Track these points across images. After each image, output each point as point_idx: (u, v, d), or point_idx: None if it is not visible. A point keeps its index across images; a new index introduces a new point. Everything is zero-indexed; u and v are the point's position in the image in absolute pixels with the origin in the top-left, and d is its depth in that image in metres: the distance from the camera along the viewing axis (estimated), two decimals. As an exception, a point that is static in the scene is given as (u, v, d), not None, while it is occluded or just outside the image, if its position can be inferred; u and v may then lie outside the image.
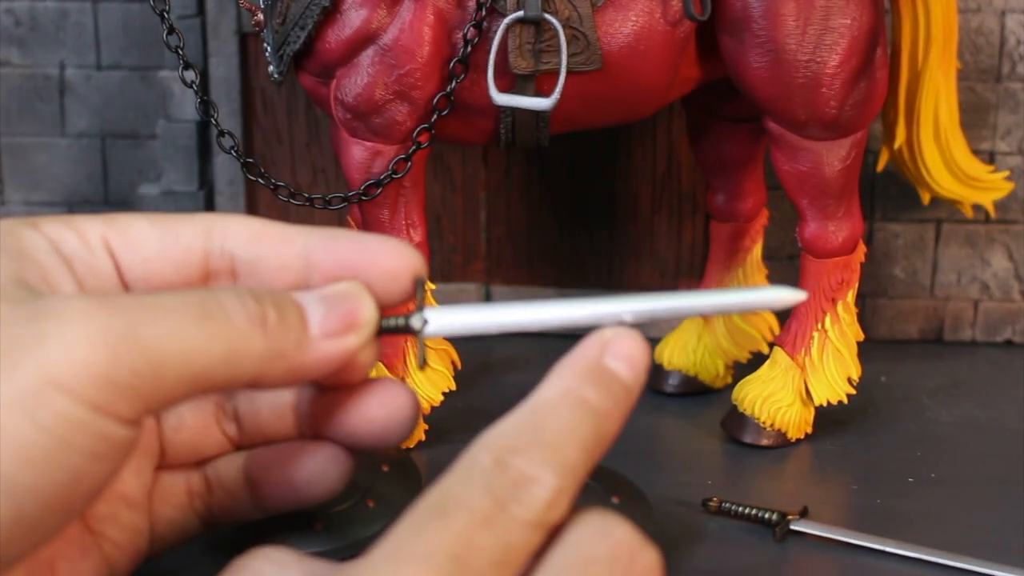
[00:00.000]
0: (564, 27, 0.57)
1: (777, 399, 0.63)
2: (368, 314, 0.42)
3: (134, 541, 0.45)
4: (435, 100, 0.58)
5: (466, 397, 0.66)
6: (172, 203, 0.76)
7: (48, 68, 0.80)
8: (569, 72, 0.58)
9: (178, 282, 0.43)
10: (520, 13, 0.57)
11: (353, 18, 0.58)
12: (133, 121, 0.80)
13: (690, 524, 0.56)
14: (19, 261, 0.39)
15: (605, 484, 0.53)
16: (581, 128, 0.62)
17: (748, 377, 0.64)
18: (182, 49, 0.59)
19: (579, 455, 0.37)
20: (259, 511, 0.47)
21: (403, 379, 0.61)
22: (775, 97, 0.59)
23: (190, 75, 0.60)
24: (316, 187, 0.76)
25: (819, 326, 0.63)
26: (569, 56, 0.58)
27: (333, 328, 0.41)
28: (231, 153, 0.60)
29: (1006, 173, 0.70)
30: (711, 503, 0.56)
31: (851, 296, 0.63)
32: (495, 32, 0.58)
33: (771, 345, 0.66)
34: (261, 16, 0.60)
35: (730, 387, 0.67)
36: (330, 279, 0.42)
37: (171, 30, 0.59)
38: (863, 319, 0.67)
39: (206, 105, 0.60)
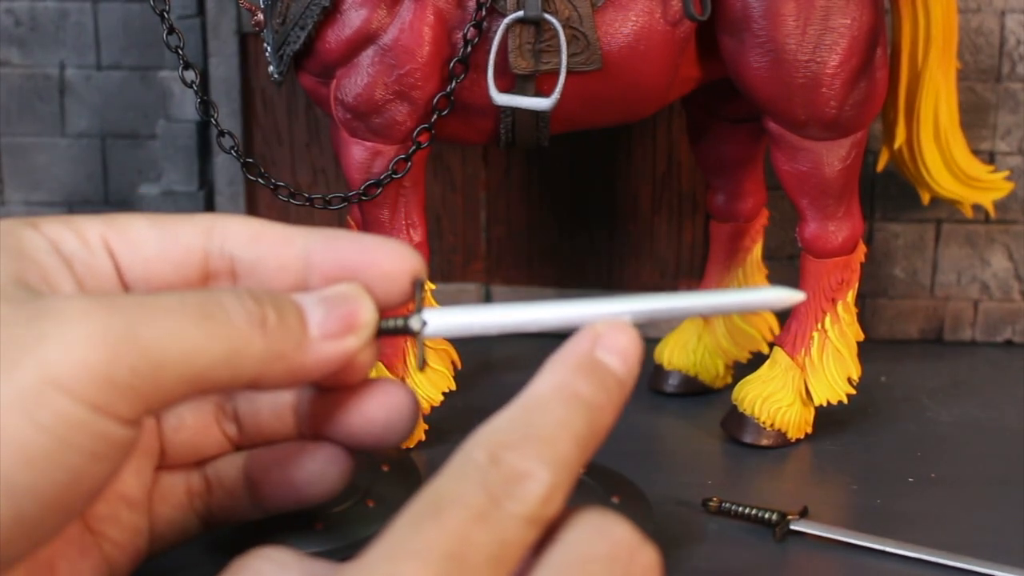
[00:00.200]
0: (564, 27, 0.57)
1: (777, 399, 0.63)
2: (367, 315, 0.42)
3: (134, 541, 0.45)
4: (435, 100, 0.58)
5: (466, 397, 0.66)
6: (172, 203, 0.76)
7: (48, 68, 0.80)
8: (569, 72, 0.58)
9: (178, 283, 0.43)
10: (520, 13, 0.57)
11: (353, 18, 0.58)
12: (133, 121, 0.80)
13: (690, 524, 0.56)
14: (19, 261, 0.39)
15: (605, 484, 0.53)
16: (581, 128, 0.62)
17: (748, 377, 0.64)
18: (182, 49, 0.59)
19: (573, 449, 0.37)
20: (259, 511, 0.47)
21: (403, 379, 0.61)
22: (775, 97, 0.59)
23: (190, 75, 0.60)
24: (316, 187, 0.76)
25: (819, 326, 0.63)
26: (569, 56, 0.58)
27: (333, 329, 0.41)
28: (231, 153, 0.60)
29: (1006, 173, 0.70)
30: (711, 503, 0.56)
31: (851, 296, 0.63)
32: (495, 32, 0.58)
33: (771, 345, 0.66)
34: (261, 16, 0.60)
35: (730, 387, 0.67)
36: (329, 280, 0.42)
37: (171, 30, 0.59)
38: (863, 319, 0.67)
39: (206, 105, 0.60)
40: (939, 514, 0.57)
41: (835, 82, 0.59)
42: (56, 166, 0.81)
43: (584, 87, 0.59)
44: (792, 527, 0.55)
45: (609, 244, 0.77)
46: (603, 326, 0.40)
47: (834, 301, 0.63)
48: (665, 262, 0.77)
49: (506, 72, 0.58)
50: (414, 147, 0.59)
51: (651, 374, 0.70)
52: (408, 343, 0.61)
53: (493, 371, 0.71)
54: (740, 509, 0.56)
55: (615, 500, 0.52)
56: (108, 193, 0.81)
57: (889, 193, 0.75)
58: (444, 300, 0.71)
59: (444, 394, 0.63)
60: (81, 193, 0.81)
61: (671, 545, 0.54)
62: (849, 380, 0.63)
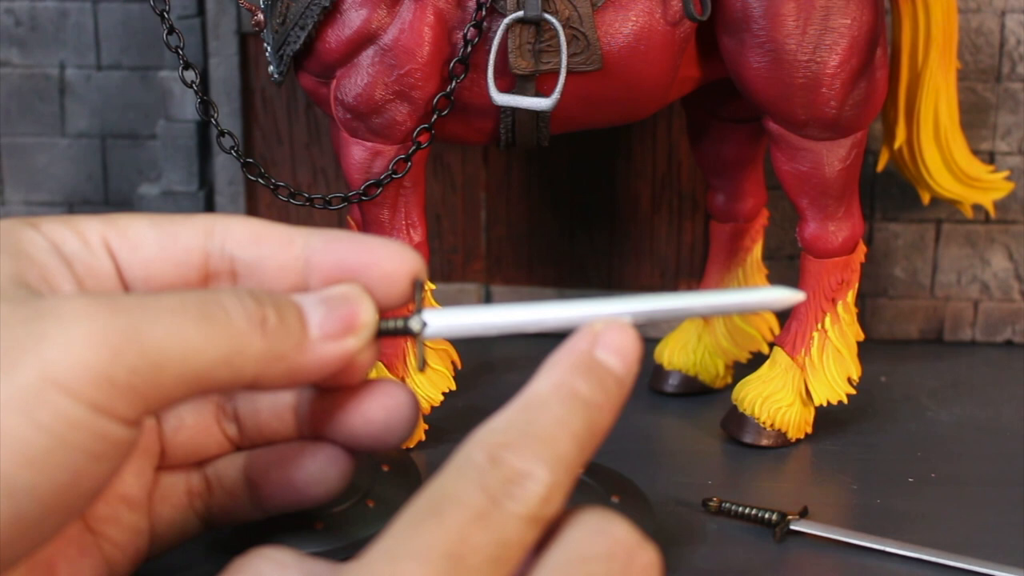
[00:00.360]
0: (564, 27, 0.57)
1: (777, 399, 0.63)
2: (367, 316, 0.42)
3: (134, 541, 0.45)
4: (435, 100, 0.58)
5: (466, 397, 0.66)
6: (172, 203, 0.76)
7: (48, 68, 0.80)
8: (569, 72, 0.58)
9: (178, 283, 0.43)
10: (520, 13, 0.57)
11: (353, 18, 0.58)
12: (133, 121, 0.80)
13: (690, 524, 0.56)
14: (19, 261, 0.39)
15: (605, 484, 0.53)
16: (581, 128, 0.62)
17: (748, 377, 0.64)
18: (182, 49, 0.59)
19: (572, 448, 0.37)
20: (259, 512, 0.47)
21: (403, 379, 0.61)
22: (775, 97, 0.59)
23: (190, 75, 0.60)
24: (316, 187, 0.76)
25: (819, 326, 0.63)
26: (569, 56, 0.58)
27: (332, 330, 0.41)
28: (231, 153, 0.60)
29: (1006, 173, 0.70)
30: (711, 503, 0.56)
31: (851, 296, 0.63)
32: (495, 32, 0.58)
33: (771, 345, 0.66)
34: (261, 16, 0.60)
35: (730, 387, 0.67)
36: (329, 281, 0.42)
37: (171, 30, 0.59)
38: (863, 319, 0.67)
39: (206, 105, 0.60)
40: (939, 514, 0.57)
41: (835, 82, 0.59)
42: (56, 166, 0.81)
43: (584, 87, 0.59)
44: (792, 527, 0.55)
45: (609, 244, 0.77)
46: (602, 325, 0.40)
47: (834, 301, 0.63)
48: (665, 262, 0.77)
49: (506, 72, 0.58)
50: (414, 147, 0.59)
51: (651, 374, 0.70)
52: (408, 344, 0.61)
53: (493, 371, 0.71)
54: (740, 509, 0.56)
55: (615, 500, 0.52)
56: (108, 193, 0.81)
57: (889, 193, 0.75)
58: (444, 300, 0.71)
59: (444, 394, 0.63)
60: (81, 193, 0.81)
61: (671, 545, 0.54)
62: (849, 380, 0.63)
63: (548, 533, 0.37)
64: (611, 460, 0.53)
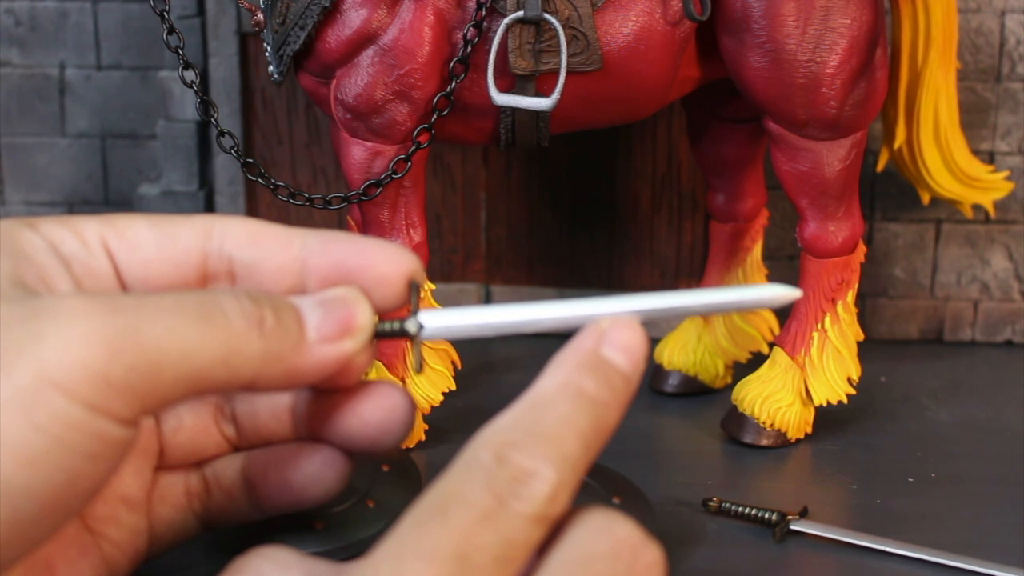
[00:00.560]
0: (564, 27, 0.57)
1: (777, 399, 0.63)
2: (364, 318, 0.41)
3: (133, 541, 0.45)
4: (435, 100, 0.58)
5: (466, 397, 0.66)
6: (172, 203, 0.76)
7: (48, 68, 0.80)
8: (569, 72, 0.58)
9: (176, 284, 0.43)
10: (520, 13, 0.57)
11: (353, 18, 0.58)
12: (133, 121, 0.80)
13: (690, 524, 0.56)
14: (17, 261, 0.39)
15: (605, 484, 0.53)
16: (581, 128, 0.62)
17: (748, 377, 0.64)
18: (182, 49, 0.59)
19: (578, 447, 0.37)
20: (257, 512, 0.47)
21: (403, 379, 0.61)
22: (775, 97, 0.59)
23: (190, 75, 0.60)
24: (316, 187, 0.76)
25: (819, 326, 0.63)
26: (569, 56, 0.58)
27: (330, 332, 0.41)
28: (231, 153, 0.60)
29: (1006, 173, 0.70)
30: (711, 503, 0.56)
31: (851, 296, 0.63)
32: (495, 32, 0.58)
33: (771, 345, 0.66)
34: (261, 16, 0.60)
35: (730, 387, 0.67)
36: (326, 283, 0.42)
37: (171, 30, 0.59)
38: (863, 319, 0.67)
39: (206, 105, 0.60)
40: (939, 514, 0.57)
41: (835, 82, 0.59)
42: (56, 166, 0.81)
43: (584, 87, 0.59)
44: (792, 527, 0.55)
45: (609, 244, 0.77)
46: (608, 323, 0.40)
47: (834, 301, 0.63)
48: (665, 262, 0.77)
49: (506, 72, 0.58)
50: (414, 147, 0.59)
51: (651, 374, 0.70)
52: (407, 345, 0.61)
53: (493, 371, 0.71)
54: (740, 509, 0.56)
55: (616, 501, 0.52)
56: (108, 193, 0.81)
57: (889, 193, 0.75)
58: (444, 300, 0.71)
59: (444, 394, 0.63)
60: (81, 193, 0.81)
61: (671, 545, 0.53)
62: (849, 380, 0.63)
63: (553, 532, 0.37)
64: (611, 460, 0.53)
